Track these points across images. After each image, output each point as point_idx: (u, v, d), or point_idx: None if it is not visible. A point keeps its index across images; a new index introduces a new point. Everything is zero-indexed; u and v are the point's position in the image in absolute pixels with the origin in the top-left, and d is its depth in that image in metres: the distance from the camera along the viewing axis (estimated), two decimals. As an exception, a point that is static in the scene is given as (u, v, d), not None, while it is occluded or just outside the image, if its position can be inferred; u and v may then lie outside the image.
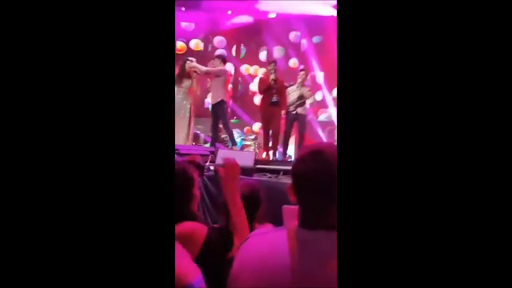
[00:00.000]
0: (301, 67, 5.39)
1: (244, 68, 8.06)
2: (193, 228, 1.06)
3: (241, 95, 8.42)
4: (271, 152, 4.89)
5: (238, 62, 8.22)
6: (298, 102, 4.88)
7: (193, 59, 4.79)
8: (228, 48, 8.13)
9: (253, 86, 7.61)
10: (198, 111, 5.55)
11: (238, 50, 8.62)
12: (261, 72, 7.53)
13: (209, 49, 8.23)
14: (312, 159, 0.72)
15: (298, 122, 4.89)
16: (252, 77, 7.95)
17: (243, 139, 6.53)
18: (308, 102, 5.04)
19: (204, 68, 4.75)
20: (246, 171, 3.07)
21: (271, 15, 8.21)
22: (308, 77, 5.80)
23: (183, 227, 1.04)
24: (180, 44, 7.46)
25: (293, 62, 7.83)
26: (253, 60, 8.16)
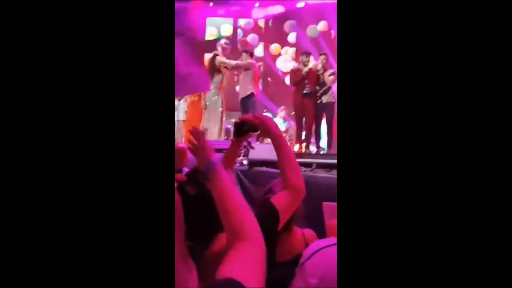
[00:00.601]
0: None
1: (274, 48, 7.95)
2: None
3: (268, 77, 8.29)
4: (304, 145, 4.80)
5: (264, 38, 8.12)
6: (322, 90, 4.63)
7: (227, 42, 4.77)
8: (255, 23, 8.11)
9: (280, 64, 7.58)
10: (231, 105, 5.56)
11: (266, 25, 8.50)
12: (290, 52, 7.41)
13: (239, 35, 8.19)
14: None
15: (326, 111, 4.66)
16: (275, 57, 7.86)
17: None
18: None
19: (233, 62, 4.75)
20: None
21: (300, 5, 8.04)
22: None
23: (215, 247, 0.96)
24: (211, 30, 7.55)
25: (323, 25, 7.58)
26: (282, 42, 8.04)
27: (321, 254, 0.70)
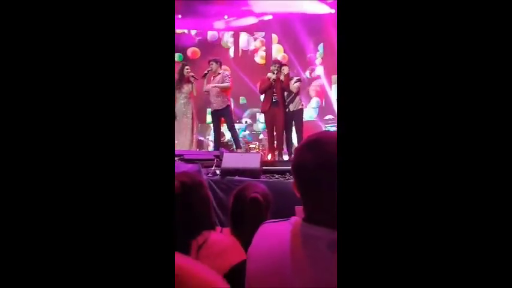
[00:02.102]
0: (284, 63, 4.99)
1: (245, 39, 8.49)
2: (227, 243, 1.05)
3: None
4: (276, 153, 4.82)
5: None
6: (289, 98, 4.68)
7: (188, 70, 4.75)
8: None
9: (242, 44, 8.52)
10: (201, 118, 5.53)
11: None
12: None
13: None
14: (308, 149, 0.69)
15: (295, 119, 4.72)
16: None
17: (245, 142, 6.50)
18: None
19: (210, 86, 4.70)
20: (253, 173, 3.01)
21: (268, 17, 8.20)
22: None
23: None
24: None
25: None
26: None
27: (257, 230, 0.76)
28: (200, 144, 6.11)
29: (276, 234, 0.72)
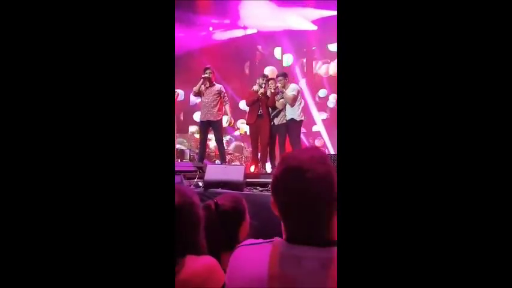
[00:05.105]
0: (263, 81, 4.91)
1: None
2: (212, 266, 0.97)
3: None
4: (260, 164, 4.82)
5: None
6: (274, 113, 4.75)
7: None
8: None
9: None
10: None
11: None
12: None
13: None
14: (291, 176, 0.67)
15: (279, 133, 4.76)
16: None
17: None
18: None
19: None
20: (237, 186, 2.99)
21: (252, 31, 8.30)
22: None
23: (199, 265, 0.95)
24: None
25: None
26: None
27: (234, 252, 0.74)
28: (181, 154, 6.04)
29: (255, 258, 0.69)
